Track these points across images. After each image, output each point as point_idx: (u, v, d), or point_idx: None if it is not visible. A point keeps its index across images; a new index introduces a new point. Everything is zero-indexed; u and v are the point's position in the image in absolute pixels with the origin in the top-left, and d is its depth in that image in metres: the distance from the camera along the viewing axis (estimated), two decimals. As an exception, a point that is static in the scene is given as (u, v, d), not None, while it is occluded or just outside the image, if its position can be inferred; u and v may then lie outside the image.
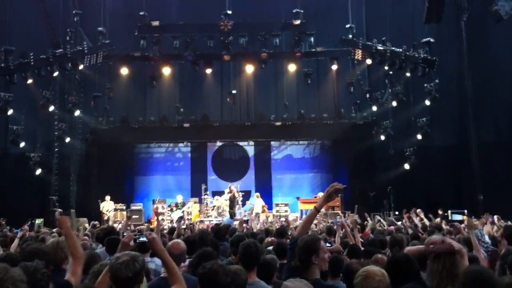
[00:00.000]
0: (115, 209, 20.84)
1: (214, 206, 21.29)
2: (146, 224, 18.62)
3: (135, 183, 25.15)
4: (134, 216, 19.91)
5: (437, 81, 18.97)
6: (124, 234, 7.10)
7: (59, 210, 18.51)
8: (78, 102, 21.11)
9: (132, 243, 4.18)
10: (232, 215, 17.82)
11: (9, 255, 5.06)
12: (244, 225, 12.21)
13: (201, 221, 19.21)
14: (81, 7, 19.62)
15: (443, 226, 12.11)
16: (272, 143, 25.82)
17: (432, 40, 18.09)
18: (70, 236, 3.99)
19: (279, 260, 5.10)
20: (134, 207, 21.59)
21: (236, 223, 13.76)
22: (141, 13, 19.86)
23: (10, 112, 18.40)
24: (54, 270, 4.44)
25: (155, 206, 21.42)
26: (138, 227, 12.00)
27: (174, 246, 4.51)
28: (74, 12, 19.26)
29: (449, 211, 17.63)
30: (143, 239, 3.85)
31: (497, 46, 19.86)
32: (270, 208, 22.07)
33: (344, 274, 4.89)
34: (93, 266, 4.11)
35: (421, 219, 13.90)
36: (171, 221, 19.68)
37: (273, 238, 7.97)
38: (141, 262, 3.36)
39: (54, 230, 12.62)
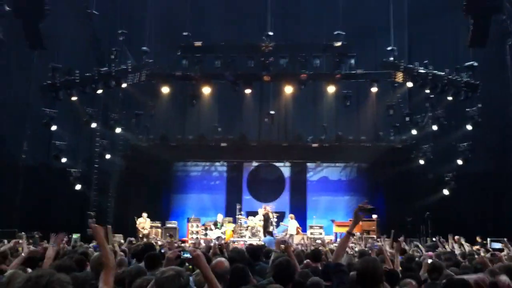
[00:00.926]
0: (151, 227, 21.05)
1: (248, 226, 21.27)
2: (180, 242, 18.70)
3: (171, 201, 25.38)
4: (167, 234, 20.19)
5: (479, 105, 18.63)
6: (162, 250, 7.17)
7: (93, 219, 18.82)
8: (119, 119, 21.53)
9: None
10: (272, 234, 17.72)
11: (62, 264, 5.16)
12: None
13: (234, 242, 19.18)
14: (127, 27, 20.14)
15: (482, 253, 11.80)
16: (308, 164, 25.75)
17: (475, 64, 17.82)
18: (102, 246, 4.03)
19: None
20: (169, 224, 21.77)
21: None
22: (184, 33, 20.23)
23: (54, 128, 18.93)
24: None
25: (189, 224, 21.56)
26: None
27: (218, 265, 4.54)
28: (120, 31, 19.77)
29: (488, 239, 17.15)
30: (188, 255, 3.89)
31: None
32: (304, 230, 21.90)
33: None
34: (136, 281, 4.16)
35: (461, 245, 13.61)
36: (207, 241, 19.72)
37: (308, 260, 7.91)
38: (186, 277, 3.43)
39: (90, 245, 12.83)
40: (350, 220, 19.12)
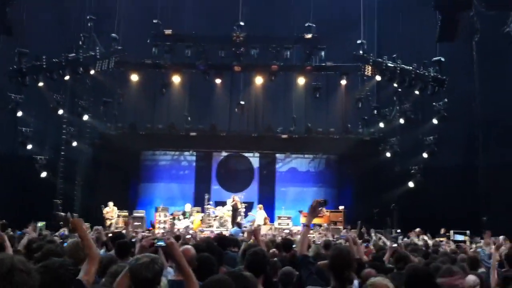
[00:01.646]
0: (118, 216, 20.88)
1: (216, 216, 21.28)
2: (147, 231, 18.63)
3: (139, 190, 25.18)
4: (136, 223, 20.06)
5: (446, 100, 19.00)
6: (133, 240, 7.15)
7: (69, 213, 18.59)
8: (87, 106, 21.24)
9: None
10: (240, 226, 17.78)
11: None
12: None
13: (202, 231, 19.19)
14: (96, 13, 19.82)
15: (445, 245, 12.13)
16: (278, 155, 25.84)
17: (442, 59, 18.15)
18: (85, 237, 4.06)
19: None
20: (137, 213, 21.62)
21: (242, 234, 13.74)
22: (155, 21, 20.07)
23: (20, 113, 18.57)
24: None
25: (157, 214, 21.46)
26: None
27: (185, 252, 4.55)
28: (88, 17, 19.47)
29: (451, 231, 17.59)
30: (162, 243, 3.91)
31: (509, 67, 19.90)
32: (272, 220, 22.04)
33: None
34: (111, 267, 4.17)
35: (424, 239, 13.97)
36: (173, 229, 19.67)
37: (274, 249, 8.00)
38: (160, 264, 3.46)
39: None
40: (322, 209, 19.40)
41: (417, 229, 16.19)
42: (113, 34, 19.64)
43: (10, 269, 2.38)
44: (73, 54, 18.60)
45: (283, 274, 5.00)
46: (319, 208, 4.78)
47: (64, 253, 4.87)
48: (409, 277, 4.19)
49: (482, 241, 12.88)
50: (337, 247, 4.26)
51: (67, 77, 18.90)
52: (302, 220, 21.49)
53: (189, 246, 5.04)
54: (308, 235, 5.65)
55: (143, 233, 14.12)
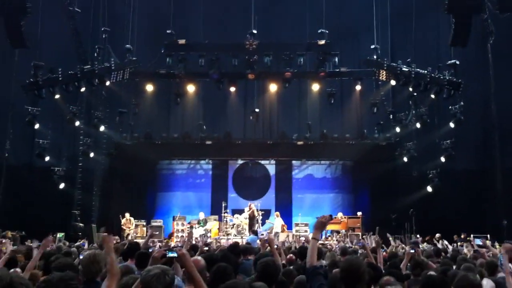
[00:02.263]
0: (136, 225, 20.98)
1: (233, 224, 21.25)
2: (166, 240, 18.66)
3: (156, 199, 25.28)
4: (154, 233, 20.11)
5: (462, 103, 18.81)
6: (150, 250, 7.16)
7: (102, 230, 18.74)
8: (103, 117, 21.37)
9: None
10: (257, 233, 17.75)
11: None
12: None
13: (218, 239, 19.19)
14: (110, 25, 20.03)
15: (465, 250, 11.97)
16: (294, 162, 25.79)
17: (457, 62, 18.00)
18: (110, 254, 4.09)
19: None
20: (155, 223, 21.68)
21: (258, 242, 13.70)
22: (168, 31, 20.20)
23: (37, 126, 18.83)
24: (87, 282, 4.54)
25: (175, 223, 21.50)
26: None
27: (194, 263, 4.55)
28: (102, 29, 19.67)
29: (472, 236, 17.36)
30: (173, 254, 3.91)
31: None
32: (289, 227, 21.96)
33: None
34: (122, 278, 4.18)
35: (444, 244, 13.81)
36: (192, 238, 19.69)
37: (291, 255, 7.97)
38: (172, 275, 3.47)
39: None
40: (335, 218, 19.38)
41: (437, 235, 16.01)
42: (127, 45, 19.82)
43: (9, 283, 2.41)
44: (88, 66, 18.81)
45: (297, 282, 4.98)
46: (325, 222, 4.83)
47: (76, 266, 4.89)
48: (424, 285, 4.13)
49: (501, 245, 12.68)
50: (348, 260, 4.16)
51: (82, 89, 19.13)
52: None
53: (199, 257, 5.04)
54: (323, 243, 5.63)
55: (160, 243, 14.16)
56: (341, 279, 3.99)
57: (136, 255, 6.12)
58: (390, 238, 15.75)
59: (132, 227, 20.76)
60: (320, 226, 4.81)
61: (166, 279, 3.39)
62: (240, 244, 9.54)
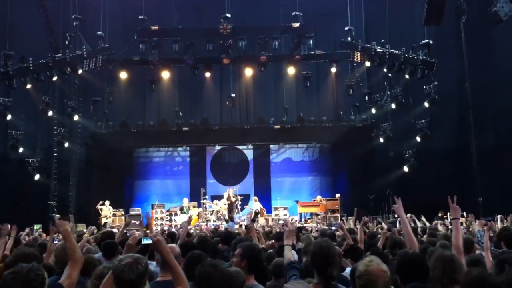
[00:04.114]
0: (114, 214, 20.79)
1: (213, 211, 21.22)
2: (144, 229, 18.49)
3: (134, 188, 25.10)
4: (133, 221, 19.94)
5: (436, 83, 18.95)
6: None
7: (58, 215, 18.46)
8: (77, 106, 21.08)
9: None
10: (232, 219, 17.77)
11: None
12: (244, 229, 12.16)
13: (199, 226, 19.15)
14: (81, 12, 19.67)
15: (440, 228, 12.12)
16: (271, 146, 25.77)
17: (431, 42, 18.10)
18: (68, 239, 3.99)
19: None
20: (133, 211, 21.51)
21: (237, 227, 13.71)
22: (140, 17, 19.93)
23: (9, 117, 18.46)
24: (61, 271, 4.45)
25: (153, 211, 21.34)
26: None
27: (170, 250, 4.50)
28: (73, 16, 19.32)
29: (448, 214, 17.58)
30: (148, 241, 3.84)
31: (497, 47, 19.90)
32: (269, 211, 22.00)
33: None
34: (96, 269, 4.10)
35: (423, 222, 13.98)
36: (171, 226, 19.63)
37: (273, 241, 7.97)
38: (145, 264, 3.36)
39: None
40: (314, 200, 19.46)
41: (408, 215, 16.14)
42: (99, 33, 19.50)
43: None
44: (60, 54, 18.49)
45: (274, 265, 4.97)
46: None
47: (39, 257, 4.80)
48: (400, 262, 4.12)
49: (477, 222, 12.87)
50: (317, 243, 4.14)
51: (54, 78, 18.76)
52: (299, 209, 21.53)
53: (173, 245, 4.98)
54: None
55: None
56: (311, 263, 3.97)
57: (103, 245, 5.99)
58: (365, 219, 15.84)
59: (109, 216, 20.54)
60: (290, 235, 4.96)
61: (138, 268, 3.29)
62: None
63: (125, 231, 9.94)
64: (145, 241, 3.89)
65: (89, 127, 22.42)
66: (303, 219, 21.20)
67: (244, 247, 4.55)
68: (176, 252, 4.48)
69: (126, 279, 3.26)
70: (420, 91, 19.67)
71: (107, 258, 5.53)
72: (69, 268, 3.80)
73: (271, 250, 6.70)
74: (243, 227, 13.08)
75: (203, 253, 4.75)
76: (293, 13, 20.11)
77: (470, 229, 10.18)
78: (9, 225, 7.10)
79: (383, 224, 14.17)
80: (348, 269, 5.10)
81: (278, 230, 11.47)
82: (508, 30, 17.84)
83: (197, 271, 3.50)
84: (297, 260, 5.27)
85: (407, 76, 19.48)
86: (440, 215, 17.70)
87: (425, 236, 9.18)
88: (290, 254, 4.64)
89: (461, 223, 12.21)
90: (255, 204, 21.42)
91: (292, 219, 18.72)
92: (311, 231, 13.22)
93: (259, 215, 20.21)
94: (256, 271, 4.44)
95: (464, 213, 16.92)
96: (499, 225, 10.99)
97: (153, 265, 4.87)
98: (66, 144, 20.66)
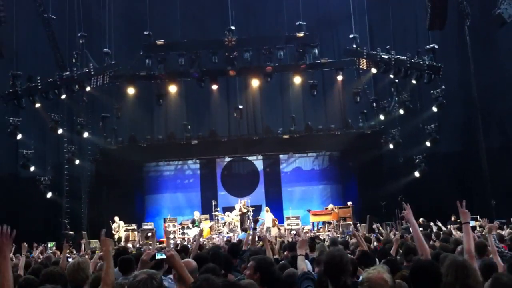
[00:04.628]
0: (126, 230, 20.83)
1: (225, 222, 21.21)
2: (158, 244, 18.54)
3: (145, 202, 25.17)
4: (148, 234, 20.00)
5: (443, 87, 18.90)
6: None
7: (103, 230, 18.50)
8: (86, 123, 21.18)
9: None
10: (246, 230, 17.71)
11: (27, 279, 5.09)
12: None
13: (211, 238, 19.15)
14: (86, 30, 19.82)
15: (454, 232, 12.04)
16: (281, 156, 25.79)
17: (436, 46, 18.07)
18: (107, 260, 3.97)
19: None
20: (145, 226, 21.58)
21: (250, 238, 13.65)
22: (145, 32, 20.03)
23: (19, 136, 18.55)
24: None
25: (166, 224, 21.36)
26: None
27: (185, 264, 4.50)
28: (79, 34, 19.45)
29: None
30: (162, 256, 3.85)
31: (502, 49, 19.83)
32: (281, 221, 21.95)
33: None
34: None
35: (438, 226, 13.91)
36: (183, 239, 19.65)
37: (286, 252, 7.97)
38: (159, 280, 3.37)
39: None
40: (326, 209, 19.41)
41: (420, 219, 16.09)
42: (105, 49, 19.62)
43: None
44: (67, 73, 18.58)
45: (287, 275, 4.99)
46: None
47: (65, 276, 4.81)
48: (413, 269, 4.11)
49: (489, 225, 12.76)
50: (329, 252, 4.20)
51: (63, 96, 18.86)
52: (311, 218, 21.49)
53: (189, 259, 4.99)
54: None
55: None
56: (324, 272, 4.00)
57: (119, 261, 5.98)
58: (374, 226, 15.84)
59: (121, 231, 20.58)
60: (303, 245, 5.20)
61: (153, 284, 3.29)
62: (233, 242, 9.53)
63: (139, 246, 9.96)
64: (159, 256, 3.91)
65: (99, 144, 22.52)
66: (315, 228, 21.14)
67: (258, 260, 4.56)
68: (192, 267, 4.49)
69: None
70: (427, 95, 19.61)
71: (123, 274, 5.53)
72: None
73: (284, 261, 6.69)
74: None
75: (217, 266, 4.76)
76: (297, 23, 20.16)
77: (484, 233, 10.08)
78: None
79: (395, 230, 14.10)
80: (362, 276, 5.09)
81: (290, 240, 11.46)
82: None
83: (191, 286, 3.51)
84: (311, 270, 5.28)
85: (413, 81, 19.41)
86: (453, 219, 17.57)
87: (437, 241, 9.14)
88: (304, 265, 4.67)
89: (475, 227, 12.16)
90: (267, 215, 21.41)
91: (303, 228, 18.69)
92: (324, 240, 13.17)
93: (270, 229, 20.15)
94: (269, 283, 4.44)
95: (478, 216, 16.85)
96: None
97: (167, 281, 4.90)
98: (77, 161, 20.77)
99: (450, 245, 7.46)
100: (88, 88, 19.55)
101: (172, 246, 11.19)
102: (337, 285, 3.85)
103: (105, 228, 20.01)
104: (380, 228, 15.09)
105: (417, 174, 20.44)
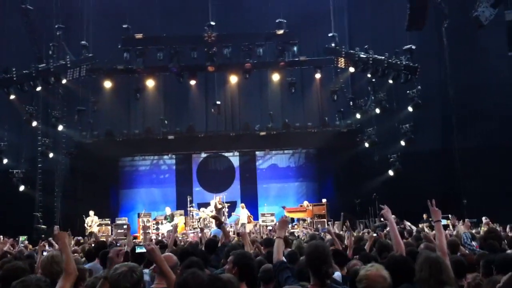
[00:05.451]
0: (100, 224, 20.65)
1: (199, 218, 21.17)
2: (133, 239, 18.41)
3: (120, 197, 24.98)
4: (119, 231, 19.89)
5: (419, 87, 19.17)
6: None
7: (57, 226, 18.31)
8: (61, 116, 20.88)
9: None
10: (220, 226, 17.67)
11: None
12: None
13: (186, 234, 19.10)
14: (64, 22, 19.55)
15: (426, 230, 12.24)
16: (257, 153, 25.84)
17: (413, 47, 18.32)
18: (65, 252, 3.97)
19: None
20: (119, 221, 21.40)
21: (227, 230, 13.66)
22: (124, 25, 19.84)
23: (-8, 128, 18.27)
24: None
25: (140, 219, 21.25)
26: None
27: (167, 259, 4.51)
28: (57, 26, 19.17)
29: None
30: (142, 250, 3.86)
31: (479, 51, 20.17)
32: (256, 218, 22.02)
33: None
34: (87, 280, 4.10)
35: (409, 226, 14.08)
36: (157, 235, 19.55)
37: (258, 245, 8.01)
38: (139, 273, 3.39)
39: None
40: (301, 206, 19.51)
41: (393, 216, 16.18)
42: (82, 42, 19.40)
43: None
44: (43, 64, 18.33)
45: (263, 271, 5.00)
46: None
47: (29, 270, 4.77)
48: (388, 266, 4.19)
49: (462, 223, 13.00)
50: (312, 244, 4.25)
51: (38, 88, 18.62)
52: (286, 215, 21.57)
53: (170, 253, 5.00)
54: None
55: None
56: (307, 264, 4.04)
57: (100, 255, 5.98)
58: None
59: (95, 226, 20.39)
60: (283, 225, 5.05)
61: (133, 277, 3.34)
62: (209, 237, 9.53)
63: (113, 240, 9.90)
64: (139, 250, 3.92)
65: (74, 137, 22.22)
66: (290, 225, 21.24)
67: (236, 255, 4.58)
68: (174, 261, 4.51)
69: (121, 287, 3.28)
70: (403, 95, 19.86)
71: (105, 267, 5.52)
72: (62, 280, 3.78)
73: (260, 257, 6.72)
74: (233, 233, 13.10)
75: (200, 260, 4.77)
76: (277, 20, 20.20)
77: (455, 232, 10.28)
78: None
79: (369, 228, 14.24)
80: (337, 273, 5.16)
81: (266, 235, 11.50)
82: (489, 34, 18.14)
83: (177, 279, 3.53)
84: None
85: (390, 81, 19.70)
86: (424, 218, 17.84)
87: (410, 238, 9.29)
88: (281, 251, 4.67)
89: (447, 226, 12.37)
90: (242, 211, 21.43)
91: (276, 225, 18.74)
92: (298, 237, 13.25)
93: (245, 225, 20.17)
94: (247, 278, 4.47)
95: (449, 215, 17.13)
96: (483, 227, 11.12)
97: (145, 274, 4.90)
98: (51, 155, 20.49)
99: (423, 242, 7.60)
100: (64, 81, 19.33)
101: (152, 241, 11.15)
102: (319, 275, 3.91)
103: (78, 222, 20.04)
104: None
105: (391, 173, 20.69)
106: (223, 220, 20.16)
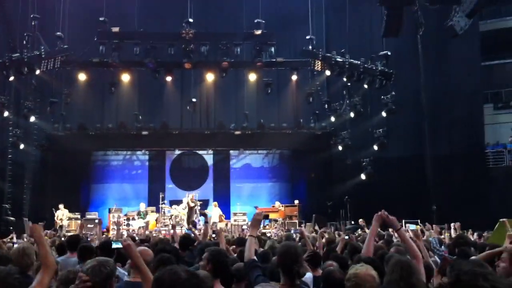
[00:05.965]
0: (69, 218, 20.39)
1: (171, 215, 21.08)
2: (105, 234, 18.32)
3: (91, 191, 24.74)
4: (89, 225, 19.65)
5: (393, 93, 19.44)
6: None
7: (25, 219, 18.04)
8: (34, 107, 20.48)
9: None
10: (195, 225, 17.62)
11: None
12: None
13: (159, 231, 19.02)
14: (40, 12, 19.19)
15: (396, 235, 12.37)
16: (231, 152, 25.88)
17: (389, 53, 18.56)
18: (42, 245, 3.92)
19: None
20: (89, 216, 21.16)
21: (196, 233, 13.63)
22: (101, 18, 19.59)
23: (-38, 117, 17.87)
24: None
25: (111, 215, 21.05)
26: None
27: (143, 253, 4.50)
28: (32, 16, 18.83)
29: (403, 221, 17.99)
30: (118, 245, 3.84)
31: (452, 60, 20.54)
32: (228, 217, 22.03)
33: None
34: (59, 274, 4.06)
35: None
36: (128, 231, 19.39)
37: (233, 246, 8.03)
38: (111, 267, 3.35)
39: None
40: (273, 206, 19.57)
41: (360, 220, 16.36)
42: (58, 33, 19.09)
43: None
44: (17, 54, 17.96)
45: (235, 270, 5.03)
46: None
47: (9, 257, 4.72)
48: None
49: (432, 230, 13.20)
50: (285, 244, 4.31)
51: (11, 78, 18.24)
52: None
53: (146, 248, 5.00)
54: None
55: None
56: (278, 264, 4.09)
57: (79, 249, 5.92)
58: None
59: (65, 219, 20.13)
60: (256, 224, 4.94)
61: (102, 271, 3.28)
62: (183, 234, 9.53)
63: (81, 234, 9.76)
64: (115, 245, 3.90)
65: (46, 129, 21.90)
66: (262, 225, 21.29)
67: (211, 252, 4.59)
68: (150, 255, 4.50)
69: (91, 282, 3.25)
70: (378, 100, 20.13)
71: (83, 261, 5.47)
72: (41, 273, 3.73)
73: (234, 255, 6.75)
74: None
75: (172, 256, 4.78)
76: (256, 21, 20.21)
77: (425, 237, 10.43)
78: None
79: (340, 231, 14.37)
80: (308, 274, 5.20)
81: (239, 235, 11.52)
82: (463, 43, 18.49)
83: (154, 276, 3.52)
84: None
85: (365, 86, 19.94)
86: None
87: (381, 242, 9.41)
88: (253, 250, 4.67)
89: (422, 231, 12.53)
90: (214, 210, 21.41)
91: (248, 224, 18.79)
92: (270, 237, 13.31)
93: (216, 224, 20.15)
94: (222, 275, 4.49)
95: (418, 220, 17.41)
96: (452, 232, 11.32)
97: (119, 269, 4.88)
98: (22, 146, 20.10)
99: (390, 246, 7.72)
100: (37, 71, 18.96)
101: (125, 237, 11.06)
102: (289, 275, 3.95)
103: (48, 215, 19.75)
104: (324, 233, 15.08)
105: (363, 176, 20.92)
106: (194, 218, 20.19)
